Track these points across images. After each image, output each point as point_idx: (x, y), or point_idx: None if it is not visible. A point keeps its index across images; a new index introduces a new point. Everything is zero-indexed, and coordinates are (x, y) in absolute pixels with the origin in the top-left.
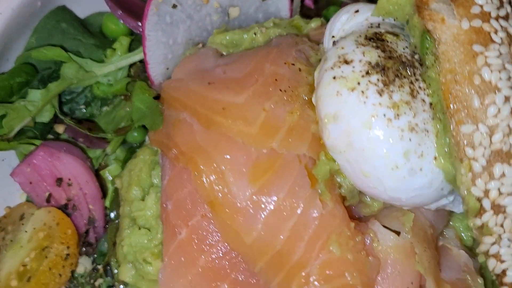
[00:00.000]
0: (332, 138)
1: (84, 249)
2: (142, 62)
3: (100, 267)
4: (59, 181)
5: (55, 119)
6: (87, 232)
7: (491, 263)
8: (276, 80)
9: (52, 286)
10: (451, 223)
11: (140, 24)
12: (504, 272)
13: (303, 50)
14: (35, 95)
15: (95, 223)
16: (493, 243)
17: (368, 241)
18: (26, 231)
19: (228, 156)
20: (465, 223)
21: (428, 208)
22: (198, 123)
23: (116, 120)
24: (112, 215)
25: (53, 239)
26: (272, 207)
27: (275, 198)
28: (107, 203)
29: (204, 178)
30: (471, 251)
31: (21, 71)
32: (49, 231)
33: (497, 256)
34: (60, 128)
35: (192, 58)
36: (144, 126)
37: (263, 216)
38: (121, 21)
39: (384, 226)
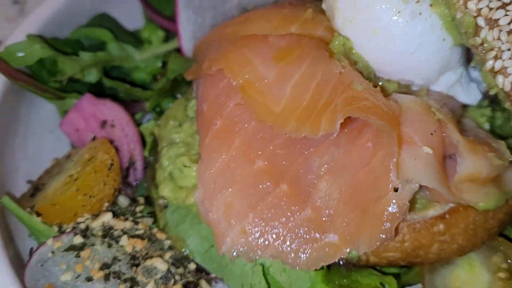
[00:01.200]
0: (341, 12)
1: (124, 190)
2: (176, 50)
3: (140, 198)
4: (103, 123)
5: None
6: (127, 171)
7: (499, 81)
8: (290, 3)
9: (97, 192)
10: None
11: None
12: None
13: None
14: (85, 55)
15: (135, 164)
16: (496, 58)
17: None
18: (72, 160)
19: (253, 48)
20: (480, 112)
21: (439, 90)
22: (225, 41)
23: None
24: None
25: (97, 151)
26: (296, 77)
27: (297, 70)
28: (146, 153)
29: (235, 67)
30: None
31: (72, 43)
32: (93, 150)
33: (502, 71)
34: None
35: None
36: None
37: (288, 86)
38: (155, 22)
39: None
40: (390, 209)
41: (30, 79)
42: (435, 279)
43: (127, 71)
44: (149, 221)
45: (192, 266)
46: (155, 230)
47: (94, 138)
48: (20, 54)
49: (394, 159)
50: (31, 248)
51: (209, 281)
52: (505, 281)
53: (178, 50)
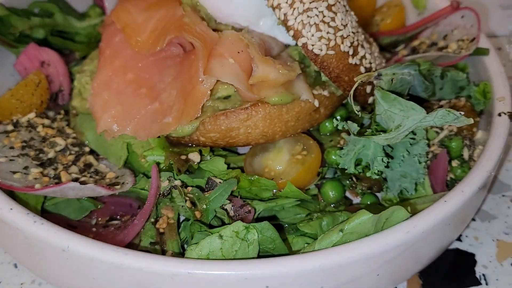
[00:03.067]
0: None
1: (53, 108)
2: None
3: (62, 111)
4: (42, 63)
5: None
6: (57, 95)
7: (277, 13)
8: None
9: (26, 99)
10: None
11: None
12: (285, 17)
13: None
14: (34, 19)
15: (63, 91)
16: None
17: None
18: None
19: (134, 3)
20: (294, 48)
21: (261, 32)
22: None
23: None
24: None
25: (30, 75)
26: (155, 19)
27: (156, 15)
28: (72, 85)
29: (119, 16)
30: None
31: (27, 12)
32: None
33: (278, 6)
34: None
35: None
36: None
37: (150, 24)
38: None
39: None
40: (198, 95)
41: None
42: (254, 161)
43: (70, 36)
44: (63, 123)
45: (87, 149)
46: (66, 127)
47: None
48: None
49: (202, 62)
50: None
51: (97, 159)
52: (298, 159)
53: None
